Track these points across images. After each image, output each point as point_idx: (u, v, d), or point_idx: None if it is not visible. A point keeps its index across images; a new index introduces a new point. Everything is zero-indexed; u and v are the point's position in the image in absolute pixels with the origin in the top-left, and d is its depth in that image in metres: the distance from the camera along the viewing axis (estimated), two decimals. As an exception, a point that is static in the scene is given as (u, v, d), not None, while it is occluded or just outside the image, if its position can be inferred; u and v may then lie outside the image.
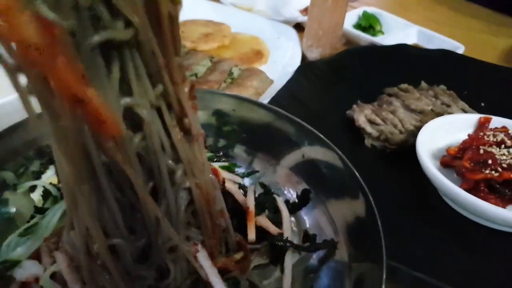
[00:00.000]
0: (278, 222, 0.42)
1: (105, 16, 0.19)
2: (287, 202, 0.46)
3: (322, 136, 0.44)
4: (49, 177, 0.44)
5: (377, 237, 0.34)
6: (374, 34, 0.94)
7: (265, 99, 0.67)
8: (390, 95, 0.69)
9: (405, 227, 0.48)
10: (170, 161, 0.25)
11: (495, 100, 0.70)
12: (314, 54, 0.81)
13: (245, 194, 0.43)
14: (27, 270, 0.34)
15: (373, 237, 0.35)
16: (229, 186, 0.42)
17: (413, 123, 0.62)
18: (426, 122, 0.58)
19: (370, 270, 0.34)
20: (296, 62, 0.77)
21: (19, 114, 0.45)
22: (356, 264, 0.37)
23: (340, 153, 0.42)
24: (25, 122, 0.43)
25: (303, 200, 0.45)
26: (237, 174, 0.48)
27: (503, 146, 0.52)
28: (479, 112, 0.65)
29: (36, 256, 0.35)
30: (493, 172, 0.49)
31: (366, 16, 0.97)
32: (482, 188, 0.50)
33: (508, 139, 0.53)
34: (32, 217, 0.40)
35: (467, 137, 0.56)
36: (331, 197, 0.43)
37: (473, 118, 0.61)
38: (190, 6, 0.94)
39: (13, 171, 0.43)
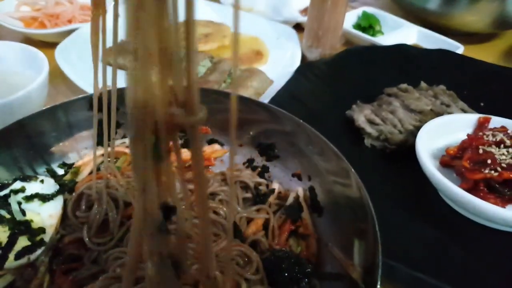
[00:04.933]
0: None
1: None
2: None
3: (321, 135, 0.44)
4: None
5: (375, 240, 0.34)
6: (373, 34, 0.94)
7: (265, 99, 0.67)
8: (389, 95, 0.69)
9: (405, 226, 0.48)
10: None
11: (495, 100, 0.70)
12: (313, 54, 0.81)
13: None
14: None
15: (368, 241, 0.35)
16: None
17: (413, 123, 0.62)
18: (425, 122, 0.58)
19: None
20: (296, 62, 0.77)
21: (19, 114, 0.45)
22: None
23: (337, 150, 0.42)
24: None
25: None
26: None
27: (502, 146, 0.52)
28: (479, 112, 0.65)
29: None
30: (493, 172, 0.49)
31: (365, 16, 0.97)
32: (481, 187, 0.50)
33: (507, 139, 0.53)
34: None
35: (466, 137, 0.56)
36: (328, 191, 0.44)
37: (473, 118, 0.61)
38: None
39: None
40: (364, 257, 0.36)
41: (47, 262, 0.39)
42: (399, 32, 0.93)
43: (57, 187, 0.44)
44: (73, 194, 0.43)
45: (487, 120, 0.60)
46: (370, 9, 0.99)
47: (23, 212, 0.41)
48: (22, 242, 0.39)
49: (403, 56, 0.80)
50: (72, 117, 0.48)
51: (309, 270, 0.37)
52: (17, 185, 0.43)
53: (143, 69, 0.16)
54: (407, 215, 0.50)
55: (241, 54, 0.82)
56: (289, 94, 0.67)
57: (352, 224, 0.39)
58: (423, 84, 0.71)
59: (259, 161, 0.51)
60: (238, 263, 0.37)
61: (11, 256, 0.37)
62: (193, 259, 0.30)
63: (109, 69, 0.85)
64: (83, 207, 0.42)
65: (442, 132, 0.59)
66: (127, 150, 0.50)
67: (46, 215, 0.41)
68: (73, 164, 0.49)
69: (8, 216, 0.40)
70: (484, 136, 0.54)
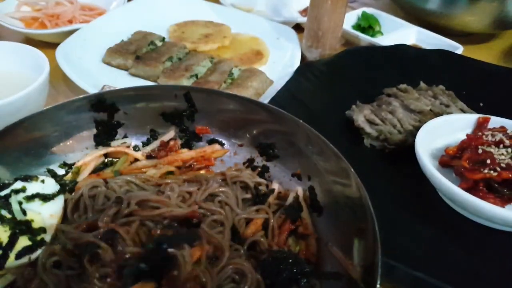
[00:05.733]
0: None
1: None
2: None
3: (321, 135, 0.45)
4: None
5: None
6: (373, 35, 0.95)
7: (265, 99, 0.67)
8: (389, 95, 0.69)
9: (404, 226, 0.48)
10: None
11: (494, 100, 0.70)
12: (313, 55, 0.81)
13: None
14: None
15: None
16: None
17: (412, 123, 0.62)
18: (425, 122, 0.58)
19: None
20: (296, 63, 0.78)
21: (20, 114, 0.45)
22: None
23: (337, 150, 0.42)
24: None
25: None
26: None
27: (501, 145, 0.52)
28: (478, 112, 0.66)
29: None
30: (492, 171, 0.49)
31: (365, 16, 0.98)
32: (481, 187, 0.50)
33: (507, 139, 0.53)
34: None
35: (465, 137, 0.56)
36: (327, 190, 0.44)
37: (472, 118, 0.61)
38: (190, 7, 0.94)
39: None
40: (364, 257, 0.36)
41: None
42: (399, 33, 0.93)
43: (58, 187, 0.44)
44: (72, 194, 0.44)
45: (486, 120, 0.60)
46: (369, 10, 0.99)
47: (24, 212, 0.41)
48: (23, 241, 0.39)
49: (403, 57, 0.80)
50: (72, 117, 0.49)
51: (307, 269, 0.37)
52: (18, 185, 0.43)
53: None
54: (407, 215, 0.50)
55: (241, 54, 0.83)
56: (289, 94, 0.67)
57: (352, 223, 0.39)
58: (422, 85, 0.72)
59: (259, 161, 0.51)
60: (234, 280, 0.37)
61: (12, 255, 0.38)
62: None
63: (109, 69, 0.85)
64: (82, 210, 0.42)
65: (442, 132, 0.59)
66: (127, 150, 0.51)
67: (46, 215, 0.41)
68: (73, 164, 0.49)
69: (9, 216, 0.40)
70: (483, 136, 0.54)
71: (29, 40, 0.80)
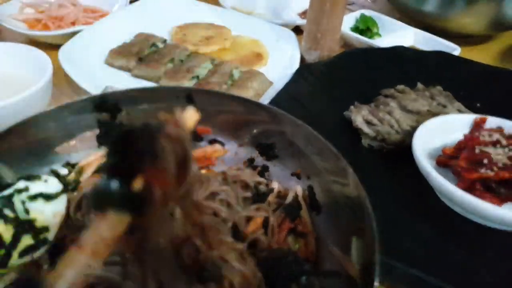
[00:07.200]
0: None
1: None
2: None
3: (320, 136, 0.45)
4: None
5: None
6: (371, 37, 0.95)
7: (265, 100, 0.68)
8: (386, 96, 0.70)
9: (402, 226, 0.49)
10: None
11: (491, 100, 0.71)
12: (312, 56, 0.82)
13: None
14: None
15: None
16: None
17: (410, 124, 0.63)
18: (422, 123, 0.59)
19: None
20: (295, 64, 0.78)
21: (23, 115, 0.46)
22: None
23: (336, 150, 0.43)
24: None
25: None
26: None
27: (498, 145, 0.53)
28: (475, 112, 0.66)
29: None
30: (489, 171, 0.50)
31: (363, 18, 0.99)
32: (478, 187, 0.51)
33: (504, 139, 0.54)
34: None
35: (463, 137, 0.57)
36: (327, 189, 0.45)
37: (469, 118, 0.62)
38: (191, 10, 0.95)
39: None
40: (362, 255, 0.36)
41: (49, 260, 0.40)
42: (397, 34, 0.94)
43: (61, 186, 0.45)
44: (75, 193, 0.44)
45: (483, 121, 0.61)
46: (367, 12, 1.00)
47: (27, 211, 0.41)
48: (26, 240, 0.39)
49: (401, 58, 0.81)
50: (75, 118, 0.49)
51: (306, 268, 0.38)
52: (21, 184, 0.43)
53: None
54: (405, 214, 0.51)
55: (242, 56, 0.83)
56: (288, 96, 0.67)
57: (350, 222, 0.40)
58: (419, 85, 0.72)
59: (259, 160, 0.52)
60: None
61: (15, 254, 0.38)
62: None
63: (111, 71, 0.86)
64: (84, 209, 0.42)
65: (439, 132, 0.60)
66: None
67: (50, 214, 0.42)
68: (76, 164, 0.49)
69: (12, 215, 0.40)
70: (481, 136, 0.55)
71: (32, 42, 0.81)
